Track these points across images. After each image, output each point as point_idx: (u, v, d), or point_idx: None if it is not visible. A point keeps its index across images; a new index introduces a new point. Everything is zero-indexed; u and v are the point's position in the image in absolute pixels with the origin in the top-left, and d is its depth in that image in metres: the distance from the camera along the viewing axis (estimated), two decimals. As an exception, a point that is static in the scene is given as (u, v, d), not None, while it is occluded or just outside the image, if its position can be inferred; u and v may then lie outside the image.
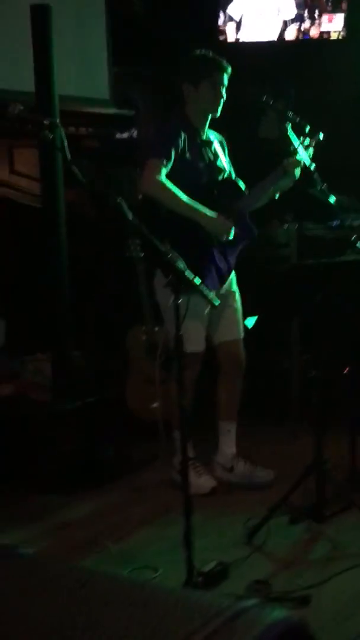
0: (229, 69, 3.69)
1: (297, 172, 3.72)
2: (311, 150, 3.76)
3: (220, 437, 3.94)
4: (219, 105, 3.71)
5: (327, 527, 3.33)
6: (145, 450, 4.13)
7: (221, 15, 5.17)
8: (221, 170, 3.80)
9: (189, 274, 2.63)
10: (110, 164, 4.97)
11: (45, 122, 3.04)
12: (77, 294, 4.09)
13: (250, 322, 3.60)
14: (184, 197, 3.60)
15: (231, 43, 5.08)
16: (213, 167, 3.77)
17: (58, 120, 3.67)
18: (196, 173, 3.69)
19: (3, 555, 1.13)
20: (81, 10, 4.63)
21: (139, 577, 3.01)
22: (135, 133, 5.15)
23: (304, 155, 3.59)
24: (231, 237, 3.69)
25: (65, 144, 3.07)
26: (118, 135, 5.10)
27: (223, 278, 3.77)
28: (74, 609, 0.99)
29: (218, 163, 3.80)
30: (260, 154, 4.18)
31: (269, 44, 5.13)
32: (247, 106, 3.89)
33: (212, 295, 2.65)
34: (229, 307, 3.83)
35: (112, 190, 2.89)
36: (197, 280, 2.64)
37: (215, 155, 3.80)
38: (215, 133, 3.87)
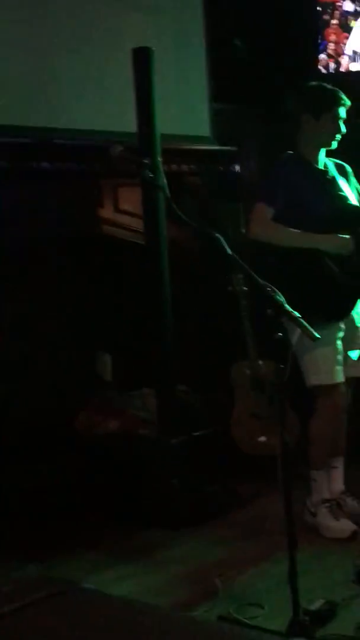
0: (349, 103, 3.69)
1: None
2: None
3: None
4: (336, 139, 3.71)
5: None
6: (250, 486, 4.10)
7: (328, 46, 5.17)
8: (341, 197, 3.74)
9: (288, 307, 2.62)
10: (213, 200, 5.02)
11: (145, 161, 3.12)
12: (181, 328, 4.13)
13: (354, 355, 3.55)
14: (293, 231, 3.60)
15: (331, 74, 5.07)
16: (331, 195, 3.72)
17: (159, 160, 3.77)
18: (313, 204, 3.66)
19: (68, 590, 1.16)
20: (181, 49, 4.71)
21: (245, 614, 2.98)
22: (238, 168, 5.18)
23: None
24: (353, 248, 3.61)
25: (166, 182, 3.14)
26: (221, 171, 5.15)
27: (348, 307, 3.69)
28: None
29: (337, 190, 3.75)
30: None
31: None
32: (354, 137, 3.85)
33: (310, 329, 2.63)
34: (355, 342, 3.75)
35: (211, 225, 2.92)
36: (296, 314, 2.62)
37: (333, 183, 3.76)
38: (333, 160, 3.84)
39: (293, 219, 3.60)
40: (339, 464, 3.84)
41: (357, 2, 5.09)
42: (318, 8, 5.12)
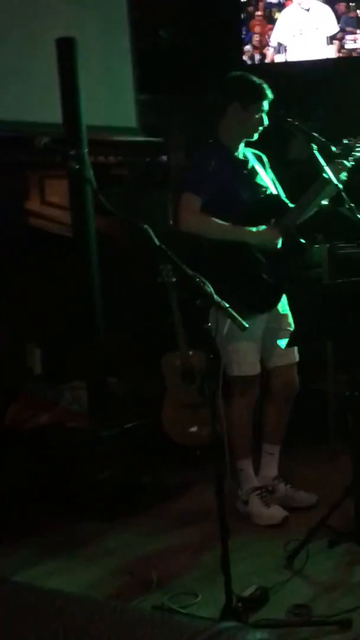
0: (272, 96, 3.72)
1: (343, 176, 3.67)
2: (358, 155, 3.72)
3: (263, 459, 3.90)
4: (258, 131, 3.74)
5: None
6: (182, 476, 4.12)
7: (252, 37, 5.20)
8: (261, 187, 3.79)
9: (217, 297, 2.64)
10: (141, 191, 5.01)
11: (71, 152, 3.09)
12: (111, 320, 4.12)
13: (282, 343, 3.59)
14: (222, 223, 3.62)
15: (255, 65, 5.11)
16: (252, 185, 3.76)
17: (85, 151, 3.75)
18: (235, 194, 3.69)
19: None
20: (106, 39, 4.69)
21: (179, 604, 2.99)
22: (166, 159, 5.19)
23: (330, 175, 3.57)
24: (279, 245, 3.65)
25: (92, 173, 3.12)
26: (148, 162, 5.14)
27: (274, 300, 3.74)
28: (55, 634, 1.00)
29: (257, 180, 3.79)
30: (290, 174, 4.18)
31: (294, 64, 5.16)
32: (275, 128, 3.89)
33: (240, 319, 2.65)
34: (282, 331, 3.78)
35: (139, 217, 2.91)
36: (225, 304, 2.64)
37: (253, 173, 3.79)
38: (252, 150, 3.87)
39: (218, 209, 3.62)
40: (275, 452, 3.88)
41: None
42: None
